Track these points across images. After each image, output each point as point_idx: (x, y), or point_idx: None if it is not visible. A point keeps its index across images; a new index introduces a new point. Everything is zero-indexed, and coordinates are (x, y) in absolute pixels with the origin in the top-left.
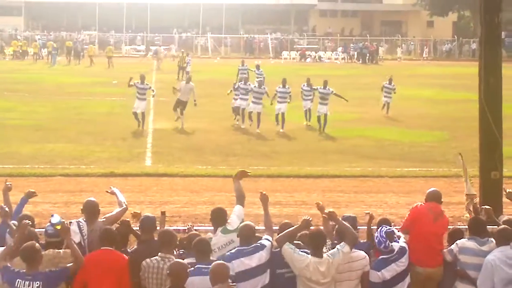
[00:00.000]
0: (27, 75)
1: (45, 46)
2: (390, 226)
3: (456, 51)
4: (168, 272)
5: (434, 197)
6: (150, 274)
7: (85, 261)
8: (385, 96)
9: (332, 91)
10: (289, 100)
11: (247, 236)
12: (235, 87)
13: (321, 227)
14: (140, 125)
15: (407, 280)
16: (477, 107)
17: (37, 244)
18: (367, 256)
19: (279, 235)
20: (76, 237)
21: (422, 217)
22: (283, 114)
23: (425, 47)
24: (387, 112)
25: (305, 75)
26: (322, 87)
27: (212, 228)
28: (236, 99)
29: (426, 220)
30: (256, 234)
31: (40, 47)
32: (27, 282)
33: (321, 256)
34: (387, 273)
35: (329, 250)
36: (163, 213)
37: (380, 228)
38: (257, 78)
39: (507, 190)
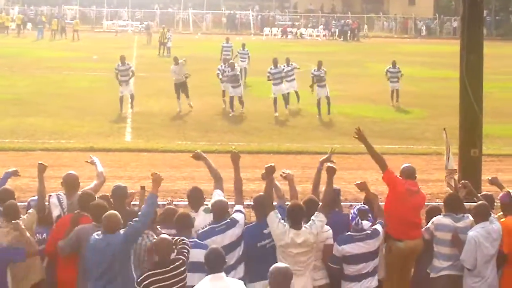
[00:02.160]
0: (7, 49)
1: (30, 20)
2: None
3: (437, 29)
4: (154, 248)
5: (409, 174)
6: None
7: (61, 223)
8: (391, 82)
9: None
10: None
11: (220, 212)
12: (223, 74)
13: (300, 201)
14: (122, 108)
15: (372, 263)
16: (457, 85)
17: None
18: (330, 230)
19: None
20: (56, 210)
21: (400, 191)
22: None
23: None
24: (397, 99)
25: (287, 51)
26: (316, 69)
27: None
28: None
29: (403, 195)
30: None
31: (25, 21)
32: None
33: (299, 229)
34: (348, 249)
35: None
36: (142, 187)
37: (357, 205)
38: (242, 58)
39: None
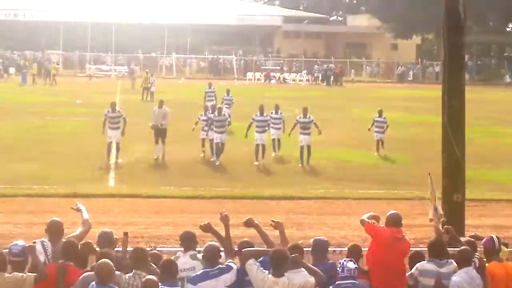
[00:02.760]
0: None
1: (12, 65)
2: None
3: (420, 73)
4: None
5: (394, 221)
6: None
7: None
8: (376, 132)
9: (313, 120)
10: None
11: (212, 256)
12: (204, 117)
13: (284, 247)
14: (110, 158)
15: None
16: (440, 131)
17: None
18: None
19: (243, 250)
20: (40, 257)
21: (384, 237)
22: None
23: (396, 68)
24: (382, 147)
25: (270, 96)
26: (301, 116)
27: (180, 248)
28: (207, 130)
29: (387, 242)
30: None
31: (5, 65)
32: None
33: (279, 276)
34: None
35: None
36: (125, 234)
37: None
38: (226, 104)
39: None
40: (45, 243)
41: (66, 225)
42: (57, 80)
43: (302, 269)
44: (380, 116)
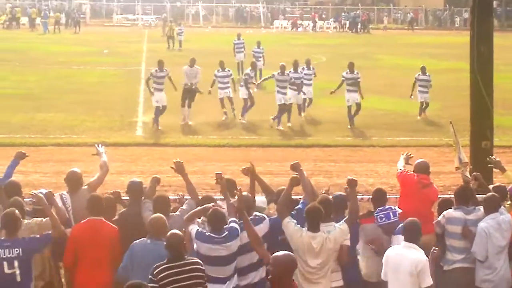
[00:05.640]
0: (18, 44)
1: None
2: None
3: (448, 20)
4: (166, 243)
5: (422, 168)
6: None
7: (75, 232)
8: (420, 92)
9: (359, 77)
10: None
11: (218, 222)
12: (222, 72)
13: (317, 203)
14: (158, 123)
15: None
16: (468, 77)
17: (16, 211)
18: (347, 231)
19: (278, 205)
20: None
21: (411, 184)
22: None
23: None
24: (424, 112)
25: (298, 44)
26: (348, 71)
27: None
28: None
29: (414, 188)
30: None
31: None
32: (6, 250)
33: (317, 231)
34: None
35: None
36: (156, 179)
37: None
38: (257, 57)
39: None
40: (64, 196)
41: (93, 174)
42: (81, 29)
43: (337, 225)
44: (423, 73)
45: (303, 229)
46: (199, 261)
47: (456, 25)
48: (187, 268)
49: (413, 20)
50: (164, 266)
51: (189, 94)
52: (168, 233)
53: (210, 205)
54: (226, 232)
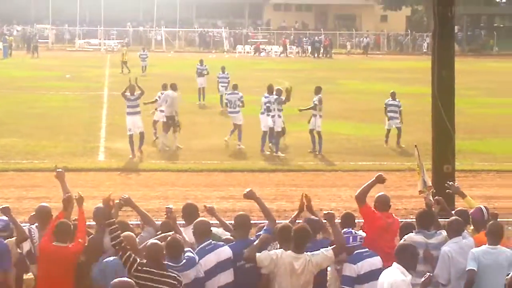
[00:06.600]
0: None
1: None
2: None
3: (409, 45)
4: (145, 252)
5: (384, 204)
6: None
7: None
8: (391, 118)
9: (317, 101)
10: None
11: (175, 250)
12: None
13: (306, 224)
14: (132, 151)
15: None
16: (430, 101)
17: None
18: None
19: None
20: (26, 245)
21: (378, 226)
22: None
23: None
24: (398, 140)
25: (259, 69)
26: (390, 99)
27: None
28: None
29: (381, 230)
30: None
31: None
32: None
33: (301, 253)
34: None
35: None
36: (120, 204)
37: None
38: (222, 83)
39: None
40: (32, 230)
41: (55, 199)
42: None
43: (323, 250)
44: (393, 99)
45: (277, 250)
46: (179, 278)
47: (417, 51)
48: (163, 279)
49: (368, 45)
50: (145, 268)
51: (172, 121)
52: (149, 243)
53: (170, 233)
54: (184, 261)
